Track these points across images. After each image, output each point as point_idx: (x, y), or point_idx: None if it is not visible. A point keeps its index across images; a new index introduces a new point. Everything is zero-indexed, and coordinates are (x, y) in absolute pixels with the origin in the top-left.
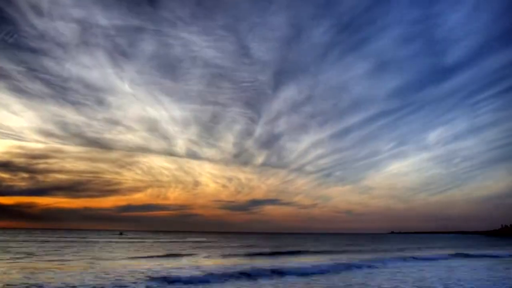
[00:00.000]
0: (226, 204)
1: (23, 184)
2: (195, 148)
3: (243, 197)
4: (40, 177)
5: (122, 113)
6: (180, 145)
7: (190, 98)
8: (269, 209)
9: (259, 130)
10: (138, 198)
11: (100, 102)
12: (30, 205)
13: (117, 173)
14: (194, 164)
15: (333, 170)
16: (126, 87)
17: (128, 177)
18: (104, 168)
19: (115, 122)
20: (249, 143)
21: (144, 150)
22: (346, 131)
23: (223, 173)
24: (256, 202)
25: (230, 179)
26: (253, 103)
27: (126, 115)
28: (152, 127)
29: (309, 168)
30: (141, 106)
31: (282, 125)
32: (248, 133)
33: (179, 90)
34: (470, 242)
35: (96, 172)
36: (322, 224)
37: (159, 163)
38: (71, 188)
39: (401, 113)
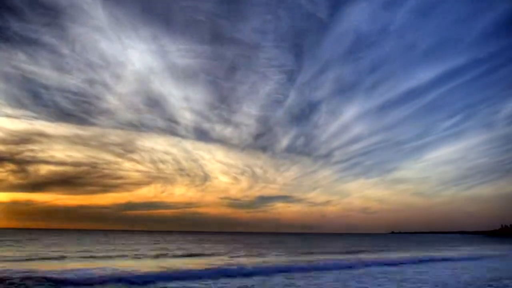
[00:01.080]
0: (233, 202)
1: None
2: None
3: (254, 193)
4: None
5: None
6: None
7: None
8: (278, 206)
9: (293, 95)
10: (141, 194)
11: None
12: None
13: (115, 162)
14: (204, 151)
15: (362, 159)
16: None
17: (128, 166)
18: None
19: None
20: (276, 117)
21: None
22: (403, 98)
23: (237, 162)
24: (265, 199)
25: (243, 171)
26: (296, 42)
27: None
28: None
29: (337, 155)
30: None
31: (325, 85)
32: (277, 100)
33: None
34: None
35: (92, 163)
36: (331, 224)
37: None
38: (63, 183)
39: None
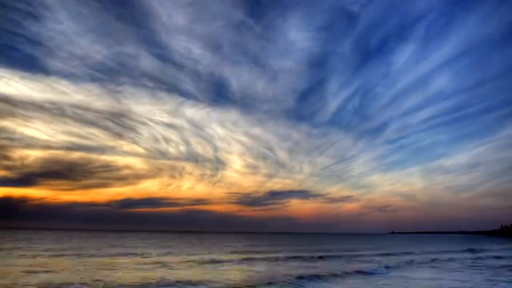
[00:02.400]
0: (242, 197)
1: None
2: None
3: (270, 187)
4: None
5: None
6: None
7: None
8: (293, 203)
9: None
10: (143, 189)
11: None
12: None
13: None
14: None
15: (417, 138)
16: None
17: (126, 149)
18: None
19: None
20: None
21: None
22: None
23: (261, 138)
24: (279, 195)
25: (264, 156)
26: None
27: None
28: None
29: (389, 131)
30: None
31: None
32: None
33: None
34: None
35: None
36: (343, 223)
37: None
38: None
39: None
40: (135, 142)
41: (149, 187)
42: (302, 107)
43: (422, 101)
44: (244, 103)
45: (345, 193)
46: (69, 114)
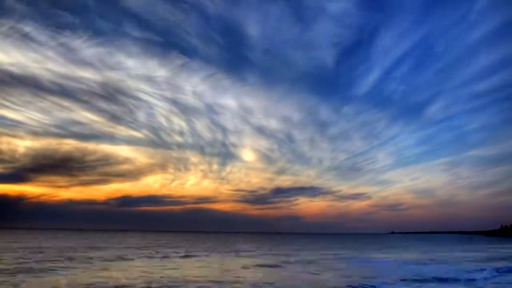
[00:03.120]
0: (247, 195)
1: None
2: None
3: (277, 184)
4: None
5: None
6: None
7: None
8: (301, 201)
9: None
10: (145, 185)
11: None
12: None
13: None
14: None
15: (462, 122)
16: None
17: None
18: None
19: None
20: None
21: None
22: None
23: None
24: (287, 192)
25: (281, 143)
26: None
27: None
28: None
29: (432, 110)
30: None
31: None
32: None
33: None
34: None
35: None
36: (349, 223)
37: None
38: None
39: None
40: (131, 126)
41: (150, 184)
42: (339, 73)
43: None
44: (265, 68)
45: (359, 189)
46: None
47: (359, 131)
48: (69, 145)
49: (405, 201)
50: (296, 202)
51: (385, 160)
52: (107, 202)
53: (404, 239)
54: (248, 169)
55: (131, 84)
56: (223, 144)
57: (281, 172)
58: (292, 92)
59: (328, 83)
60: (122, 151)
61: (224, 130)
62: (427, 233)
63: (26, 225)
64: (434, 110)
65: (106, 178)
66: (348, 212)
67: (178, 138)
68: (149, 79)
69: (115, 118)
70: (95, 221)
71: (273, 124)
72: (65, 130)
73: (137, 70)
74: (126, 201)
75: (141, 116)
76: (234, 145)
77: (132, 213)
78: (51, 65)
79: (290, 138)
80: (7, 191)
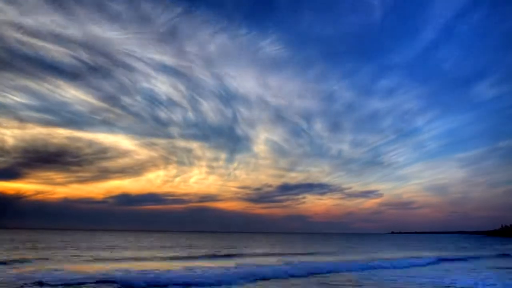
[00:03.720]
0: (252, 193)
1: None
2: None
3: (284, 181)
4: None
5: None
6: None
7: None
8: (309, 199)
9: None
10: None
11: None
12: None
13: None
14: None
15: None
16: None
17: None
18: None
19: None
20: None
21: None
22: None
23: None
24: (294, 189)
25: (298, 131)
26: None
27: None
28: None
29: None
30: None
31: None
32: None
33: None
34: None
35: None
36: (356, 223)
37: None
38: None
39: None
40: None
41: (152, 180)
42: (385, 30)
43: None
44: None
45: (371, 187)
46: None
47: (392, 112)
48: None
49: (417, 200)
50: (304, 200)
51: (408, 153)
52: (105, 201)
53: (401, 239)
54: (258, 162)
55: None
56: (232, 129)
57: (292, 167)
58: (316, 62)
59: (369, 44)
60: (112, 138)
61: (234, 112)
62: (427, 233)
63: (23, 225)
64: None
65: (103, 174)
66: (354, 211)
67: (181, 124)
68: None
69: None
70: (94, 221)
71: (295, 106)
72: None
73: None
74: (126, 199)
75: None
76: (245, 133)
77: (133, 212)
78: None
79: (310, 125)
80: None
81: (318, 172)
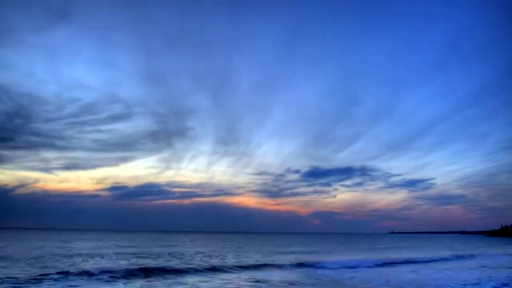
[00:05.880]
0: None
1: None
2: None
3: (316, 163)
4: None
5: None
6: None
7: None
8: (340, 190)
9: None
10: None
11: None
12: None
13: None
14: None
15: None
16: None
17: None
18: None
19: None
20: None
21: None
22: None
23: None
24: (323, 176)
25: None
26: None
27: None
28: None
29: None
30: None
31: None
32: None
33: None
34: None
35: None
36: (382, 221)
37: None
38: None
39: None
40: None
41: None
42: None
43: None
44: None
45: (423, 173)
46: None
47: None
48: None
49: (463, 193)
50: (334, 193)
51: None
52: (97, 195)
53: (396, 240)
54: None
55: None
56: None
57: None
58: None
59: None
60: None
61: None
62: (427, 233)
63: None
64: None
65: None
66: (380, 207)
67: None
68: None
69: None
70: (86, 218)
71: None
72: None
73: None
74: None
75: None
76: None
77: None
78: None
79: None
80: None
81: (355, 151)
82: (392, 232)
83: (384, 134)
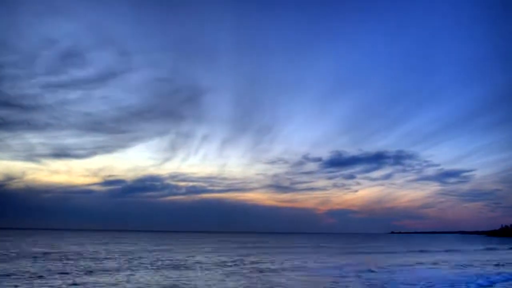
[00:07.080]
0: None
1: None
2: None
3: (340, 147)
4: None
5: None
6: None
7: None
8: (363, 183)
9: None
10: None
11: None
12: None
13: None
14: None
15: None
16: None
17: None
18: None
19: None
20: None
21: None
22: None
23: None
24: (345, 165)
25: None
26: None
27: None
28: None
29: None
30: None
31: None
32: None
33: None
34: None
35: None
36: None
37: None
38: None
39: None
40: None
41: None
42: None
43: None
44: None
45: (462, 164)
46: None
47: None
48: None
49: (498, 190)
50: (356, 188)
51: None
52: (91, 191)
53: (396, 240)
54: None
55: None
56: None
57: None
58: None
59: None
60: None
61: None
62: (427, 233)
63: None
64: None
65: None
66: (400, 204)
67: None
68: None
69: None
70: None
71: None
72: None
73: None
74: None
75: None
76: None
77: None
78: None
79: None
80: None
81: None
82: (392, 232)
83: (429, 120)
